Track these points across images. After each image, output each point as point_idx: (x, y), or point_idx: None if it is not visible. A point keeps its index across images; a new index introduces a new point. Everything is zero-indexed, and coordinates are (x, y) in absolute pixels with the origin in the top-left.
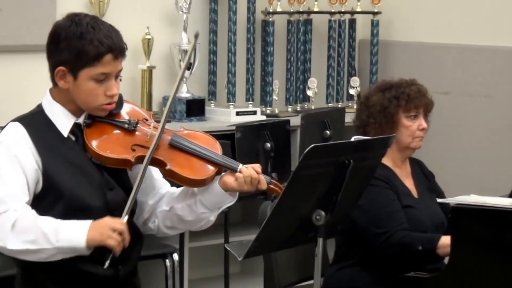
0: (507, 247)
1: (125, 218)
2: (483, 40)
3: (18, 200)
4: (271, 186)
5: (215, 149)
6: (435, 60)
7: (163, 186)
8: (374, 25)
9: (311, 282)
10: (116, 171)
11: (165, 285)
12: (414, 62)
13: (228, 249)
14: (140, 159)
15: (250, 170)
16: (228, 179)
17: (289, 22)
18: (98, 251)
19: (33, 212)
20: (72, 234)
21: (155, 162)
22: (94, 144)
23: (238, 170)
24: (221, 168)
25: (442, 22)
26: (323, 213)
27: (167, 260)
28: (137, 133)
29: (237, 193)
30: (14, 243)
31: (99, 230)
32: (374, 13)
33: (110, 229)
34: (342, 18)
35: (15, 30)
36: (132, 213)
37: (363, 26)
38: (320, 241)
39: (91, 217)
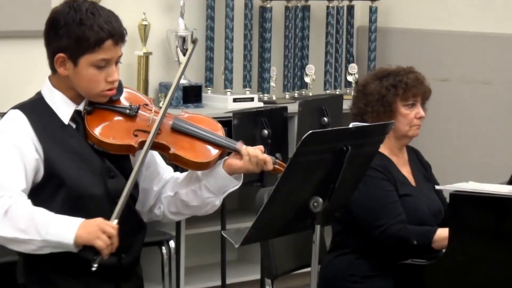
0: (505, 234)
1: (114, 221)
2: (482, 26)
3: (14, 187)
4: (276, 166)
5: (218, 131)
6: (433, 47)
7: (167, 171)
8: (373, 11)
9: (308, 269)
10: (117, 159)
11: (161, 273)
12: (412, 49)
13: (225, 236)
14: (143, 144)
15: (256, 150)
16: (233, 160)
17: (287, 8)
18: (88, 251)
19: (28, 201)
20: (61, 229)
21: (158, 146)
22: (96, 131)
23: (241, 150)
24: (224, 150)
25: (440, 8)
26: (320, 200)
27: (164, 247)
28: (138, 118)
29: (242, 176)
30: (4, 230)
31: (88, 229)
32: (373, 0)
33: (99, 230)
34: (340, 5)
35: (10, 16)
36: (134, 200)
37: (361, 12)
38: (318, 228)
39: (93, 205)
